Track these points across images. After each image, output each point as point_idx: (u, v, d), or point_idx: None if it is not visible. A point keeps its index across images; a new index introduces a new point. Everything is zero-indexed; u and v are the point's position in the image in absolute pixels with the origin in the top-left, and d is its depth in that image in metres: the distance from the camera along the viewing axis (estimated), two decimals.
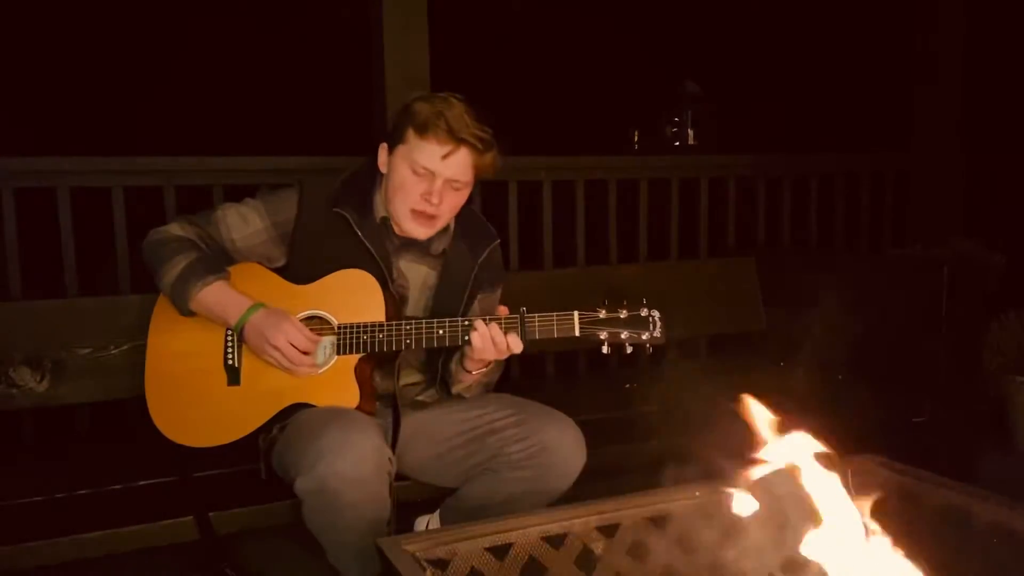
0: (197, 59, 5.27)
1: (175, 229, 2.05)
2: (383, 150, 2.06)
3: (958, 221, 3.81)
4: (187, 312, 1.99)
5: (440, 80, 2.94)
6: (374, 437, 1.84)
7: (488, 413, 2.07)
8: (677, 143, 4.38)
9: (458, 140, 1.95)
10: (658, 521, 1.61)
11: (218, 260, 2.03)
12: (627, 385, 2.97)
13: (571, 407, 2.11)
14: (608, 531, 1.58)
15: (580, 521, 1.56)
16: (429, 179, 1.97)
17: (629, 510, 1.59)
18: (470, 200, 2.11)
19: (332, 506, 1.78)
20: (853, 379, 2.89)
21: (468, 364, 2.02)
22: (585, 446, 2.02)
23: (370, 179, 2.10)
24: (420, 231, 2.03)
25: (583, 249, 3.34)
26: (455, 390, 2.11)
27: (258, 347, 1.95)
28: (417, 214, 2.00)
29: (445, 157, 1.96)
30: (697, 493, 1.63)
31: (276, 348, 1.92)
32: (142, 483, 2.15)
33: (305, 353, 1.95)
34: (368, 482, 1.79)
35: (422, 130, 1.95)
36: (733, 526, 1.48)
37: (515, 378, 3.08)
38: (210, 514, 1.97)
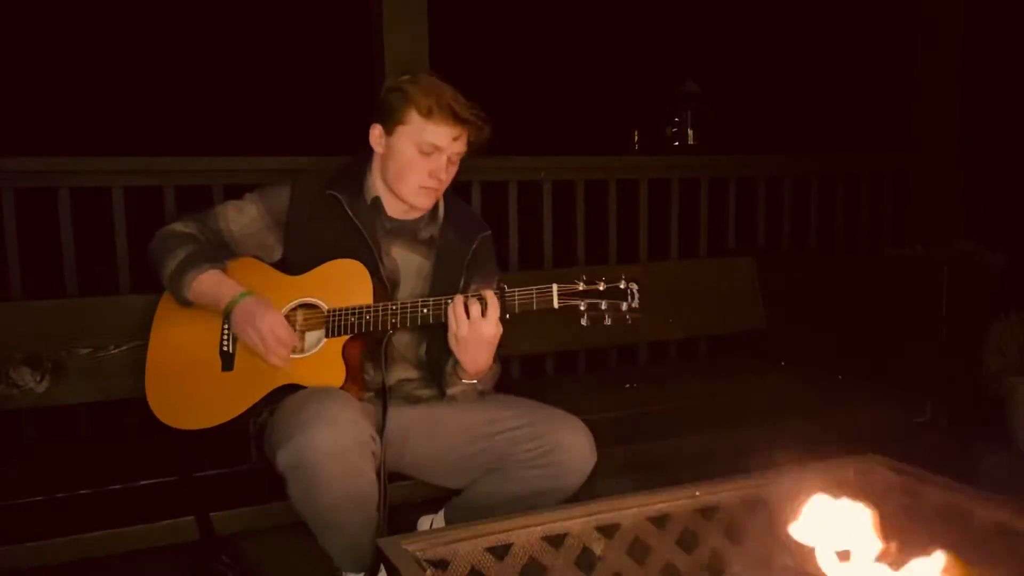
0: (197, 59, 5.27)
1: (178, 227, 2.17)
2: (376, 129, 2.14)
3: (958, 221, 3.80)
4: (184, 300, 2.09)
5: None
6: (353, 411, 1.86)
7: (495, 412, 2.08)
8: (677, 143, 4.37)
9: (464, 122, 2.09)
10: (658, 521, 1.61)
11: (217, 252, 2.13)
12: (627, 385, 2.97)
13: (571, 407, 2.11)
14: (608, 531, 1.58)
15: (580, 521, 1.56)
16: (436, 157, 2.09)
17: (629, 510, 1.59)
18: (468, 200, 2.13)
19: (312, 480, 1.79)
20: (853, 379, 2.89)
21: (460, 372, 2.04)
22: (595, 447, 2.02)
23: (363, 164, 2.20)
24: (426, 202, 2.16)
25: (583, 249, 3.34)
26: (449, 392, 2.13)
27: (242, 330, 2.02)
28: (425, 189, 2.12)
29: (456, 139, 2.09)
30: (697, 493, 1.63)
31: (258, 332, 1.99)
32: (142, 483, 2.15)
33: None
34: (347, 454, 1.80)
35: (428, 113, 2.06)
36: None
37: (516, 379, 3.08)
38: (211, 514, 1.97)
